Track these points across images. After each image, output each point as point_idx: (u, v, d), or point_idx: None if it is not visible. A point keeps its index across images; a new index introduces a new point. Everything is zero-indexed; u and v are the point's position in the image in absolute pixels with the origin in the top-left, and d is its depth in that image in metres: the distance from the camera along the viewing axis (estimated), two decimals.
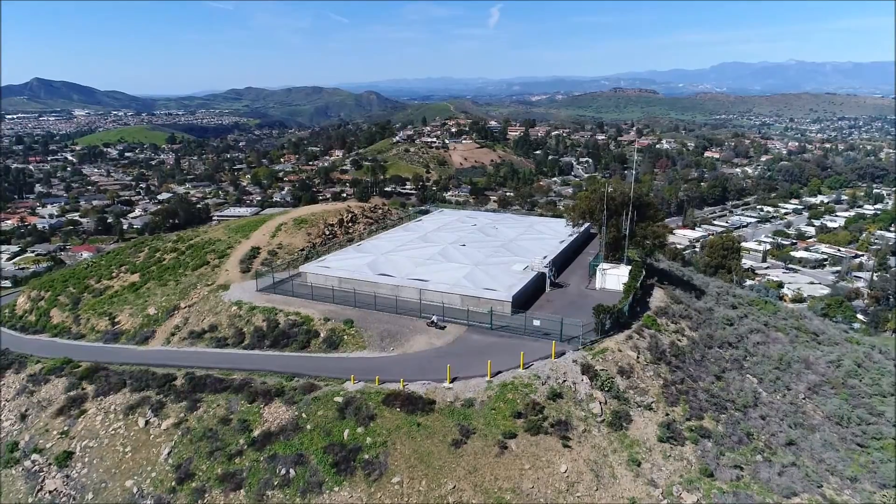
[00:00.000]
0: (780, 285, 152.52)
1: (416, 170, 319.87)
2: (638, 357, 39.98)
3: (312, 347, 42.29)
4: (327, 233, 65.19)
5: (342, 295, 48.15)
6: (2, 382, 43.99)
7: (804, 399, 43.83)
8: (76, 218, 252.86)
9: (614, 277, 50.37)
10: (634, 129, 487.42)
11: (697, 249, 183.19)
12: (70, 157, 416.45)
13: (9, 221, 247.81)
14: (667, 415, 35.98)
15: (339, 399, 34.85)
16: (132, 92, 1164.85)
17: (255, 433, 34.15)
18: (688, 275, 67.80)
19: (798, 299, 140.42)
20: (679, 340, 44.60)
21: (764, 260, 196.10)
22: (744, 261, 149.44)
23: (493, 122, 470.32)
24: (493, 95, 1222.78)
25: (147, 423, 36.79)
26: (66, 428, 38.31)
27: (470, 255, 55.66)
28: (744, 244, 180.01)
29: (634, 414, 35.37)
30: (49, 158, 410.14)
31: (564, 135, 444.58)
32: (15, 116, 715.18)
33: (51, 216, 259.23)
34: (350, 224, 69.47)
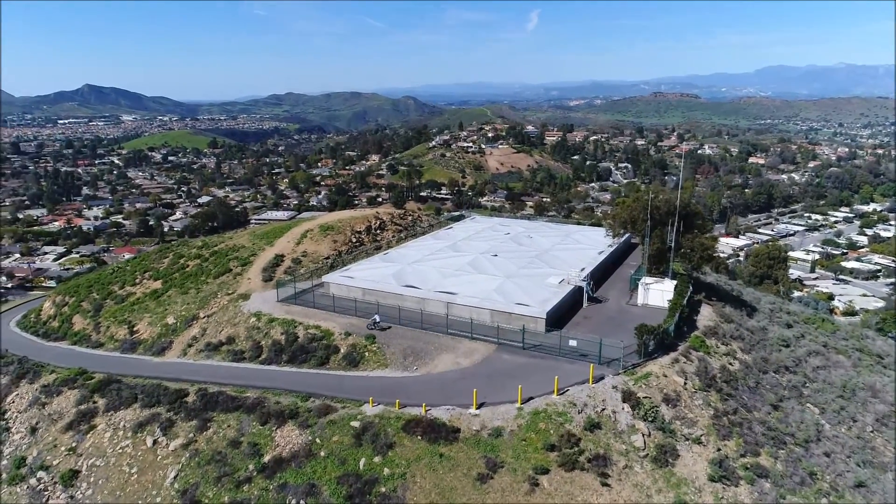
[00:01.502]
0: (831, 297, 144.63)
1: (452, 175, 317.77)
2: (685, 383, 36.27)
3: (331, 364, 39.78)
4: (354, 240, 62.92)
5: (365, 307, 45.58)
6: (15, 393, 42.81)
7: (872, 433, 39.27)
8: (119, 220, 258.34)
9: (658, 293, 46.59)
10: (675, 133, 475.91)
11: (742, 258, 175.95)
12: (116, 161, 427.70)
13: (56, 223, 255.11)
14: (718, 450, 32.21)
15: (356, 424, 32.19)
16: (177, 97, 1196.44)
17: (266, 458, 31.72)
18: (737, 289, 63.22)
19: (850, 312, 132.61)
20: (730, 364, 40.61)
21: (812, 270, 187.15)
22: (791, 271, 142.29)
23: (530, 127, 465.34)
24: (531, 100, 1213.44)
25: (155, 442, 34.77)
26: (73, 444, 36.64)
27: (502, 266, 52.46)
28: (791, 253, 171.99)
29: (682, 448, 31.72)
30: (97, 162, 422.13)
31: (603, 140, 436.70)
32: (66, 121, 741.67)
33: (95, 218, 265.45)
34: (378, 231, 67.11)
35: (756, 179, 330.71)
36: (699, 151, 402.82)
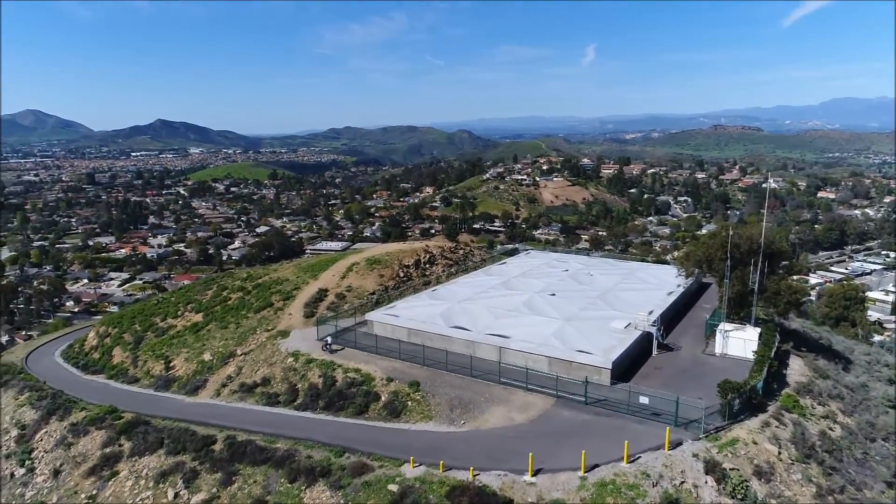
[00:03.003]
0: None
1: (506, 207, 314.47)
2: (779, 453, 30.78)
3: (371, 413, 36.09)
4: (402, 275, 59.63)
5: (410, 349, 41.89)
6: (44, 430, 40.92)
7: None
8: (181, 248, 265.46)
9: (739, 342, 41.13)
10: (737, 167, 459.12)
11: (813, 298, 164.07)
12: (182, 192, 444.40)
13: (123, 250, 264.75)
14: None
15: (393, 488, 28.23)
16: (242, 131, 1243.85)
17: None
18: (825, 337, 56.44)
19: None
20: (831, 430, 34.73)
21: (893, 312, 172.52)
22: (869, 312, 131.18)
23: (585, 160, 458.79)
24: (586, 133, 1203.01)
25: (176, 495, 31.72)
26: (94, 491, 34.05)
27: (560, 306, 47.89)
28: (868, 293, 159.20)
29: None
30: (164, 192, 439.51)
31: (661, 173, 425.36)
32: (139, 154, 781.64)
33: (159, 246, 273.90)
34: (427, 265, 63.68)
35: (827, 215, 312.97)
36: (763, 185, 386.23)
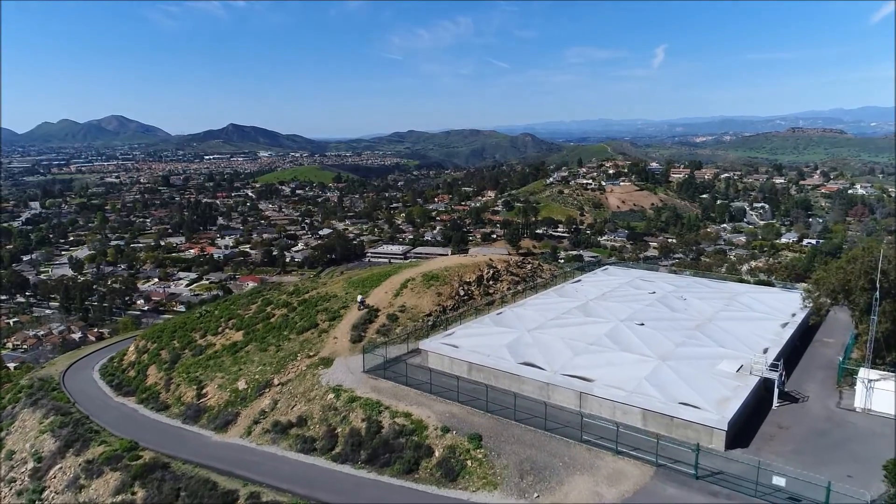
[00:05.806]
0: None
1: (570, 212, 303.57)
2: None
3: (422, 473, 29.58)
4: (462, 293, 52.90)
5: (471, 389, 35.16)
6: (59, 466, 36.61)
7: None
8: (247, 249, 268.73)
9: (889, 395, 32.30)
10: (818, 171, 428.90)
11: None
12: (250, 194, 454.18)
13: (192, 251, 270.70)
14: None
15: None
16: (309, 135, 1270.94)
17: None
18: None
19: None
20: None
21: None
22: None
23: (653, 164, 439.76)
24: (654, 137, 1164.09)
25: None
26: None
27: (652, 340, 39.72)
28: None
29: None
30: (233, 194, 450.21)
31: (736, 178, 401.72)
32: (211, 157, 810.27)
33: (226, 247, 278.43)
34: (491, 282, 56.71)
35: None
36: (849, 191, 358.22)
